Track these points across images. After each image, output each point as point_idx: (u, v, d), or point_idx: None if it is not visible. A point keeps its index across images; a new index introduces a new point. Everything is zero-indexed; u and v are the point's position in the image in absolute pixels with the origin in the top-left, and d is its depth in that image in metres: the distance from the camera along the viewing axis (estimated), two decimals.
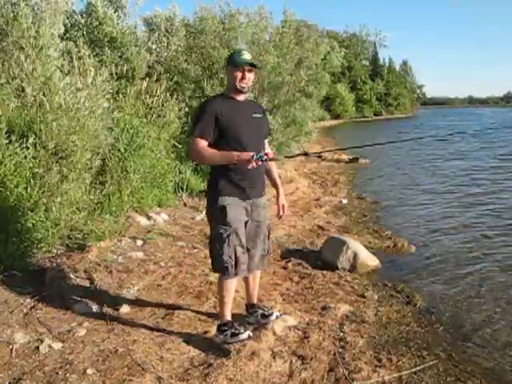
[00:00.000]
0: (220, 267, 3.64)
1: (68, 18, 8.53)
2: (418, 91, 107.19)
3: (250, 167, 3.42)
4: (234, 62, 3.64)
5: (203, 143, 3.50)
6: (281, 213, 4.01)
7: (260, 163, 3.48)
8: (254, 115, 3.76)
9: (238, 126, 3.60)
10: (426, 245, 6.92)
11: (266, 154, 3.60)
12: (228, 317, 3.81)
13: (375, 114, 74.09)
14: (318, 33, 14.72)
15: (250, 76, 3.68)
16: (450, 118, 62.95)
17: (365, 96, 72.42)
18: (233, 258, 3.59)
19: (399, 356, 3.77)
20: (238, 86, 3.64)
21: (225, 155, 3.47)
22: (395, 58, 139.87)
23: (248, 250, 3.75)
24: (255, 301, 4.18)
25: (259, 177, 3.75)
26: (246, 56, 3.65)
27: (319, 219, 8.37)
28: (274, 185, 4.05)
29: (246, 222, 3.71)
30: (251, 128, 3.69)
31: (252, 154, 3.41)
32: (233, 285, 3.79)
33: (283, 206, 4.01)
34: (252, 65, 3.67)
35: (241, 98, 3.72)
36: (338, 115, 59.98)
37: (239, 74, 3.61)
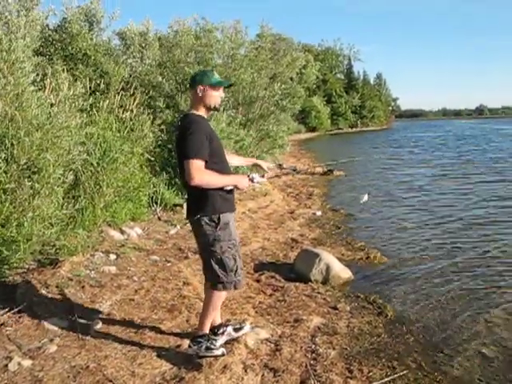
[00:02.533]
0: (232, 281, 3.65)
1: (42, 32, 8.50)
2: (393, 104, 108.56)
3: (244, 189, 3.60)
4: (211, 83, 3.65)
5: (202, 165, 3.42)
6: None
7: (251, 184, 3.73)
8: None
9: (220, 147, 3.70)
10: (398, 256, 7.02)
11: (263, 176, 3.86)
12: (207, 330, 3.82)
13: (350, 127, 74.82)
14: (293, 46, 14.85)
15: (223, 95, 3.79)
16: (422, 129, 63.91)
17: (340, 109, 73.12)
18: (242, 269, 3.73)
19: (370, 367, 3.82)
20: (217, 106, 3.72)
21: (225, 178, 3.55)
22: (370, 71, 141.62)
23: None
24: (220, 320, 4.12)
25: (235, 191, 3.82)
26: (217, 76, 3.73)
27: (293, 232, 8.42)
28: (246, 161, 4.44)
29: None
30: (222, 146, 3.82)
31: (250, 176, 3.65)
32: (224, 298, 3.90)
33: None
34: (229, 85, 3.77)
35: (208, 116, 3.80)
36: (313, 128, 60.43)
37: (220, 94, 3.70)
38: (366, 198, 6.70)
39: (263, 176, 3.94)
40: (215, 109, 3.73)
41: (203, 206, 3.58)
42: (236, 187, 3.62)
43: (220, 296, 3.74)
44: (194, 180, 3.37)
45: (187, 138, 3.47)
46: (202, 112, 3.71)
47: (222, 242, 3.59)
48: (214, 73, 3.75)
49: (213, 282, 3.69)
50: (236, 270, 3.64)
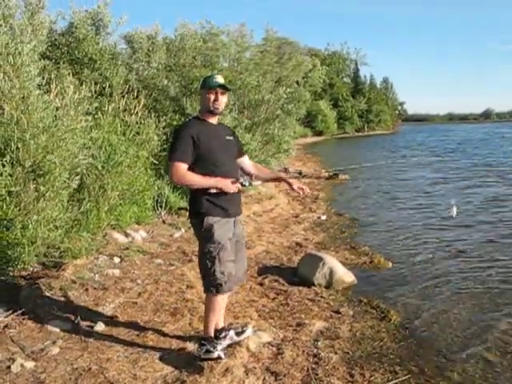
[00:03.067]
0: (213, 284, 3.67)
1: (49, 36, 8.55)
2: (400, 108, 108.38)
3: (231, 192, 3.61)
4: (207, 85, 3.74)
5: (183, 167, 3.57)
6: (304, 193, 4.09)
7: (241, 187, 3.67)
8: (228, 138, 3.89)
9: (214, 149, 3.70)
10: (402, 261, 7.00)
11: (251, 177, 3.81)
12: (211, 333, 3.85)
13: (356, 131, 74.71)
14: (299, 50, 14.87)
15: (223, 98, 3.79)
16: (428, 133, 63.81)
17: (346, 113, 73.02)
18: (225, 274, 3.66)
19: (372, 371, 3.82)
20: (212, 108, 3.74)
21: (209, 181, 3.59)
22: (377, 75, 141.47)
23: None
24: (223, 324, 4.13)
25: (238, 195, 3.84)
26: (219, 79, 3.75)
27: (297, 236, 8.42)
28: (276, 179, 4.35)
29: (229, 239, 3.77)
30: (226, 150, 3.81)
31: (233, 179, 3.62)
32: (224, 301, 3.90)
33: (299, 187, 4.06)
34: (224, 87, 3.76)
35: (214, 120, 3.83)
36: (320, 132, 60.36)
37: (212, 97, 3.72)
38: (455, 211, 6.43)
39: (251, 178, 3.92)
40: (213, 112, 3.76)
41: (193, 208, 3.78)
42: (221, 190, 3.62)
43: (213, 299, 3.76)
44: (172, 179, 3.63)
45: (172, 140, 3.74)
46: (203, 115, 3.80)
47: (205, 244, 3.68)
48: (216, 76, 3.80)
49: (202, 283, 3.82)
50: (213, 273, 3.64)
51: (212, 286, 3.67)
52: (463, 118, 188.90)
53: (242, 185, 3.70)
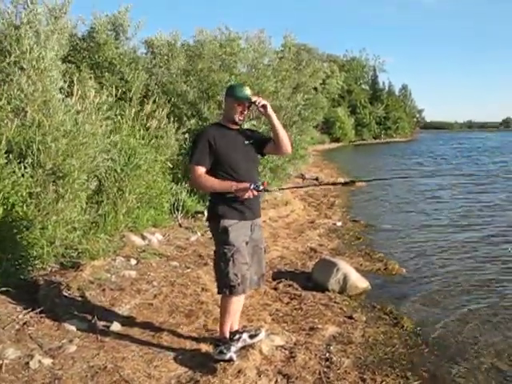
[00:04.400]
0: (227, 286, 3.73)
1: (70, 40, 8.72)
2: (418, 115, 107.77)
3: (246, 197, 3.66)
4: (235, 96, 3.80)
5: (200, 170, 3.70)
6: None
7: (256, 193, 3.70)
8: (246, 142, 3.93)
9: (232, 154, 3.78)
10: (416, 268, 7.01)
11: (263, 184, 3.79)
12: (226, 334, 3.92)
13: (374, 138, 74.39)
14: (318, 56, 14.91)
15: (247, 111, 3.92)
16: (448, 142, 63.41)
17: (364, 120, 72.74)
18: (239, 276, 3.71)
19: (383, 376, 3.85)
20: (237, 119, 3.84)
21: (223, 184, 3.68)
22: (396, 82, 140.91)
23: None
24: (237, 326, 4.17)
25: (256, 199, 3.88)
26: (247, 92, 3.82)
27: (312, 241, 8.46)
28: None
29: (246, 243, 3.83)
30: (245, 155, 3.87)
31: (249, 184, 3.64)
32: (239, 303, 3.96)
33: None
34: (250, 102, 3.85)
35: (234, 126, 3.89)
36: (337, 138, 60.25)
37: (239, 109, 3.81)
38: None
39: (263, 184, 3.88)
40: (238, 123, 3.85)
41: (210, 211, 3.91)
42: (235, 193, 3.67)
43: (228, 301, 3.81)
44: (190, 182, 3.81)
45: (192, 144, 3.93)
46: (225, 121, 3.90)
47: (220, 246, 3.76)
48: (245, 88, 3.86)
49: (216, 285, 3.88)
50: (227, 275, 3.69)
51: (225, 287, 3.73)
52: (482, 126, 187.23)
53: (256, 190, 3.72)
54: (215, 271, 3.88)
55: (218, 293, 3.85)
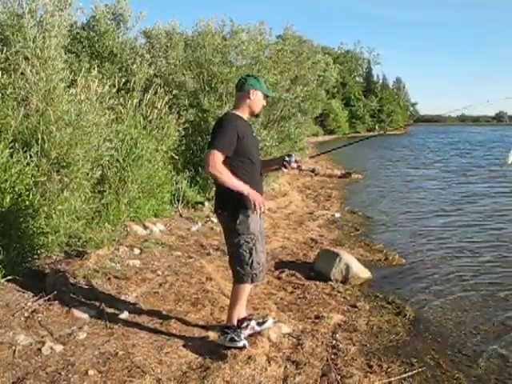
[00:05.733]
0: (249, 275, 3.78)
1: (70, 30, 8.68)
2: (411, 109, 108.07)
3: (259, 206, 3.65)
4: (262, 89, 3.88)
5: (221, 157, 3.57)
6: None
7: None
8: (253, 134, 4.05)
9: (251, 145, 3.84)
10: (416, 258, 7.10)
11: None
12: (234, 321, 3.96)
13: (368, 130, 74.54)
14: (313, 49, 14.90)
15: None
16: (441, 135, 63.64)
17: (358, 112, 72.99)
18: (261, 263, 3.80)
19: (389, 363, 3.92)
20: (259, 112, 3.95)
21: (239, 184, 3.60)
22: (390, 76, 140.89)
23: None
24: (245, 314, 4.20)
25: (261, 190, 3.95)
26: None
27: (312, 232, 8.53)
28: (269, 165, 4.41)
29: (260, 231, 3.90)
30: (256, 146, 3.98)
31: (262, 197, 3.71)
32: (249, 290, 4.01)
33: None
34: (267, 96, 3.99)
35: (248, 118, 3.96)
36: (331, 131, 60.35)
37: (264, 103, 3.93)
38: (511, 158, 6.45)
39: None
40: (257, 115, 3.92)
41: (223, 202, 3.83)
42: (246, 196, 3.64)
43: (242, 288, 3.87)
44: (208, 167, 3.55)
45: (217, 130, 3.72)
46: (244, 114, 3.89)
47: (240, 235, 3.76)
48: (266, 84, 3.93)
49: (233, 274, 3.90)
50: (251, 264, 3.75)
51: (247, 275, 3.78)
52: (475, 120, 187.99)
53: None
54: (234, 261, 3.84)
55: (238, 282, 3.85)
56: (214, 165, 3.53)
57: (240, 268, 3.81)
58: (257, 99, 3.86)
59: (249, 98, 3.83)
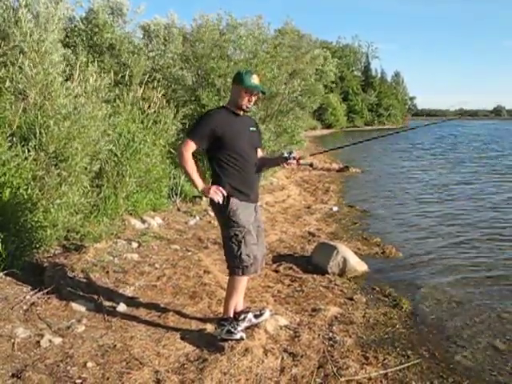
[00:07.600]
0: (240, 267, 3.81)
1: (68, 23, 8.68)
2: (410, 103, 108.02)
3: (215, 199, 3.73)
4: (244, 84, 3.83)
5: (192, 147, 3.74)
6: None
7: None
8: (251, 129, 4.02)
9: (237, 140, 3.83)
10: (413, 251, 7.13)
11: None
12: (230, 313, 4.00)
13: (366, 124, 74.55)
14: (311, 43, 14.90)
15: (255, 98, 3.96)
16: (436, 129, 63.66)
17: (356, 106, 72.94)
18: (251, 256, 3.80)
19: (385, 355, 3.95)
20: (244, 107, 3.90)
21: (196, 180, 3.74)
22: (388, 70, 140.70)
23: None
24: (242, 307, 4.24)
25: (257, 183, 4.02)
26: (256, 80, 3.88)
27: (310, 226, 8.55)
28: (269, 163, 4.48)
29: (251, 223, 3.91)
30: (247, 140, 3.94)
31: (212, 186, 3.76)
32: (245, 283, 4.02)
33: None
34: (262, 92, 4.02)
35: (240, 112, 3.94)
36: (329, 125, 60.35)
37: (247, 97, 3.86)
38: None
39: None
40: (245, 110, 3.91)
41: None
42: (203, 194, 3.80)
43: (238, 280, 3.89)
44: (177, 153, 3.79)
45: (195, 121, 3.94)
46: (231, 107, 3.92)
47: (230, 228, 3.80)
48: (253, 76, 3.89)
49: (227, 266, 3.95)
50: (240, 256, 3.77)
51: (238, 267, 3.81)
52: (473, 114, 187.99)
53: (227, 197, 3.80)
54: (225, 253, 3.91)
55: (230, 274, 3.90)
56: (182, 150, 3.73)
57: (230, 260, 3.87)
58: (235, 94, 3.89)
59: (233, 91, 3.93)
